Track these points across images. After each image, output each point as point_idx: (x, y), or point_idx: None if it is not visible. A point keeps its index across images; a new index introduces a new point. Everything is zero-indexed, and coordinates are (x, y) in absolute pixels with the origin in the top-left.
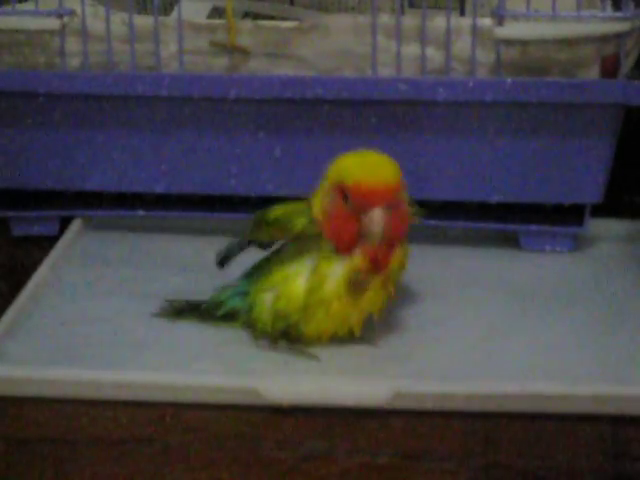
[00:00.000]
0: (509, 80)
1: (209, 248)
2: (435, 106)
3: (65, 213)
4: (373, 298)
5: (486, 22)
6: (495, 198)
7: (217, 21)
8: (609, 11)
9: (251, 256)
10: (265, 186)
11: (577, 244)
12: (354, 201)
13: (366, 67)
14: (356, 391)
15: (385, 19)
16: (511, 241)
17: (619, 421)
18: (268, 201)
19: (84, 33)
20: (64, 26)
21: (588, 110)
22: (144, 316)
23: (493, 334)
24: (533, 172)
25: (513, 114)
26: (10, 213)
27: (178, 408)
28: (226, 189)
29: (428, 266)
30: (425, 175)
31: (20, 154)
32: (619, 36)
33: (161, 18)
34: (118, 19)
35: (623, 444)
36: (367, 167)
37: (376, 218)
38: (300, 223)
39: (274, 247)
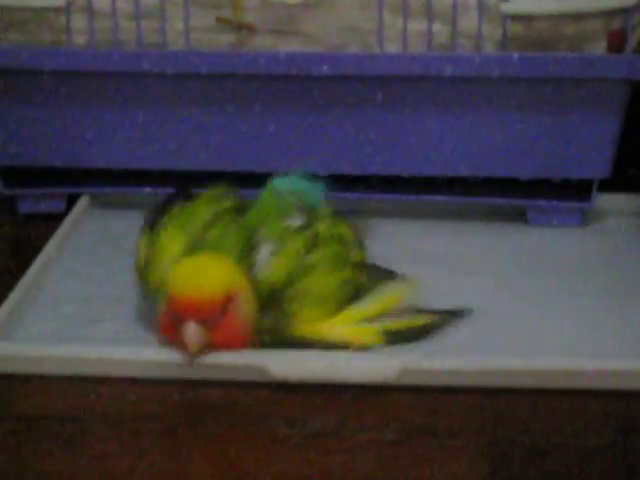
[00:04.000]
0: (516, 55)
1: None
2: (442, 82)
3: (72, 190)
4: None
5: None
6: (502, 173)
7: None
8: None
9: None
10: (272, 163)
11: (585, 219)
12: (171, 312)
13: (372, 43)
14: (363, 367)
15: None
16: (518, 216)
17: (628, 396)
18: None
19: (90, 10)
20: (70, 3)
21: (595, 85)
22: None
23: (500, 309)
24: (540, 147)
25: (520, 89)
26: (17, 191)
27: (185, 385)
28: (233, 166)
29: (435, 241)
30: (432, 151)
31: (26, 132)
32: (626, 10)
33: None
34: None
35: (633, 420)
36: (189, 278)
37: (187, 333)
38: None
39: None
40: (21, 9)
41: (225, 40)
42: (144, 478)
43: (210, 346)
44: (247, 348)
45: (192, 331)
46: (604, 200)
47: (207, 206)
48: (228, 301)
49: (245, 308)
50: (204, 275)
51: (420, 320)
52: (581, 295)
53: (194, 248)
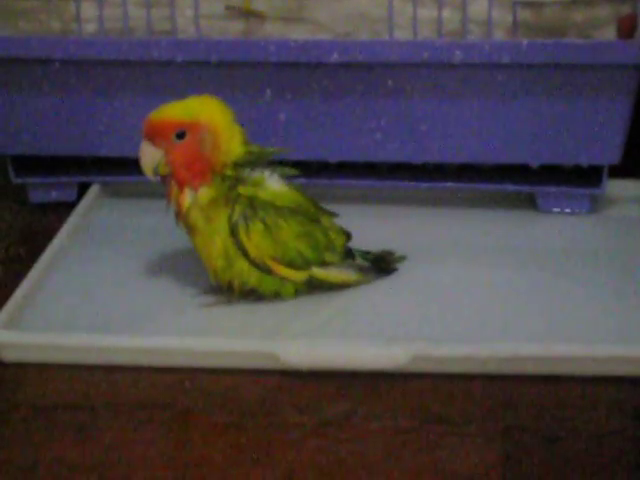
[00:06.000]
0: (526, 42)
1: None
2: (452, 68)
3: (83, 179)
4: (198, 243)
5: None
6: (512, 160)
7: None
8: None
9: None
10: None
11: (594, 205)
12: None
13: (382, 30)
14: (374, 354)
15: None
16: (528, 203)
17: (638, 382)
18: (285, 165)
19: None
20: None
21: (605, 71)
22: (162, 281)
23: (511, 296)
24: (550, 133)
25: (530, 76)
26: (28, 180)
27: (197, 373)
28: None
29: (445, 228)
30: (442, 138)
31: (37, 120)
32: None
33: None
34: None
35: None
36: (164, 107)
37: (140, 150)
38: None
39: None
40: None
41: (235, 28)
42: (155, 466)
43: (167, 169)
44: (206, 181)
45: (145, 149)
46: (614, 186)
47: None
48: (188, 128)
49: (210, 141)
50: (174, 105)
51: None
52: (592, 281)
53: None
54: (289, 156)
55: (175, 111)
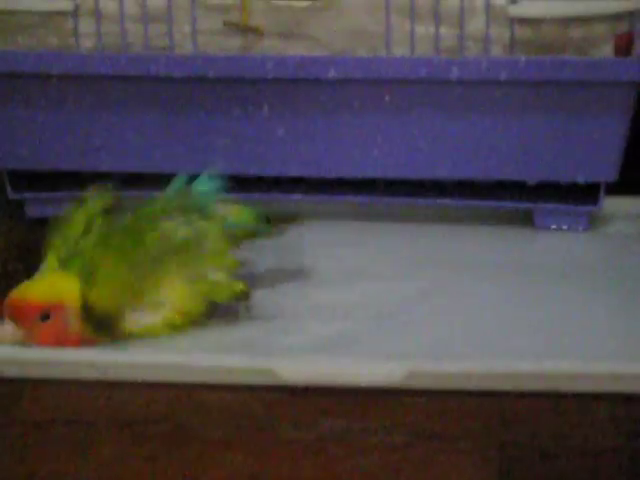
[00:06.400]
0: (523, 59)
1: None
2: (449, 85)
3: (80, 194)
4: None
5: (500, 0)
6: (509, 176)
7: (230, 0)
8: None
9: None
10: (279, 167)
11: (592, 222)
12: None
13: (380, 47)
14: (371, 371)
15: None
16: (525, 220)
17: (634, 399)
18: (282, 182)
19: (97, 14)
20: (77, 7)
21: (602, 88)
22: None
23: (507, 313)
24: (547, 150)
25: (527, 93)
26: (25, 195)
27: (193, 389)
28: (240, 169)
29: (442, 244)
30: (439, 154)
31: (34, 135)
32: (633, 14)
33: None
34: None
35: (639, 423)
36: (23, 286)
37: (1, 331)
38: None
39: None
40: (29, 13)
41: (233, 43)
42: None
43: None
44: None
45: (4, 328)
46: (611, 203)
47: (81, 212)
48: (52, 309)
49: (76, 319)
50: (37, 284)
51: None
52: (588, 298)
53: (68, 258)
54: (287, 173)
55: (38, 292)
